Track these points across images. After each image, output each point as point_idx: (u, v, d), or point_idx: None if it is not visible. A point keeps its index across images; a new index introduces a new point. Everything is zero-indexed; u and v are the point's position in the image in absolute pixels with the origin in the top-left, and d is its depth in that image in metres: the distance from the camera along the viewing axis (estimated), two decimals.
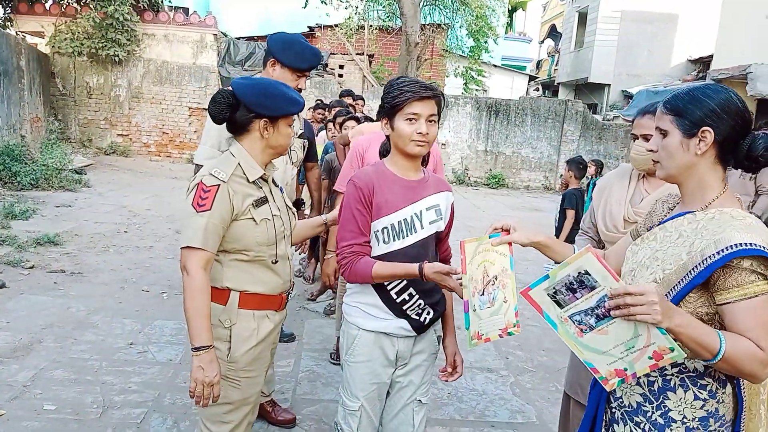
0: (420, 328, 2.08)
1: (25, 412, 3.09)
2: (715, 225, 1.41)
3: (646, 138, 2.23)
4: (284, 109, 2.06)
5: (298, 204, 5.57)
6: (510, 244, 1.74)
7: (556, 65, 26.50)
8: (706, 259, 1.37)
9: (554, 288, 1.39)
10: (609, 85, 20.30)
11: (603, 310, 1.35)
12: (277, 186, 2.23)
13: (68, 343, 3.98)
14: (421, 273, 1.87)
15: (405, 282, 2.02)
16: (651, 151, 1.54)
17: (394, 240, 2.01)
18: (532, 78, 28.82)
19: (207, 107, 2.10)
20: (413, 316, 2.06)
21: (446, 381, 2.15)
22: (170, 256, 6.35)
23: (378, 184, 2.01)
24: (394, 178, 2.05)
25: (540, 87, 27.85)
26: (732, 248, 1.33)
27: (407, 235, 2.02)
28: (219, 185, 1.94)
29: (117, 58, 13.22)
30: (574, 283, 1.37)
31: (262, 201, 2.07)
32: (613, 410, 1.59)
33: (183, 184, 9.99)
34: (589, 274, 1.35)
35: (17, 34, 12.63)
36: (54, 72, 13.51)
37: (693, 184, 1.49)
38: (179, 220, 7.65)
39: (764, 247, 1.32)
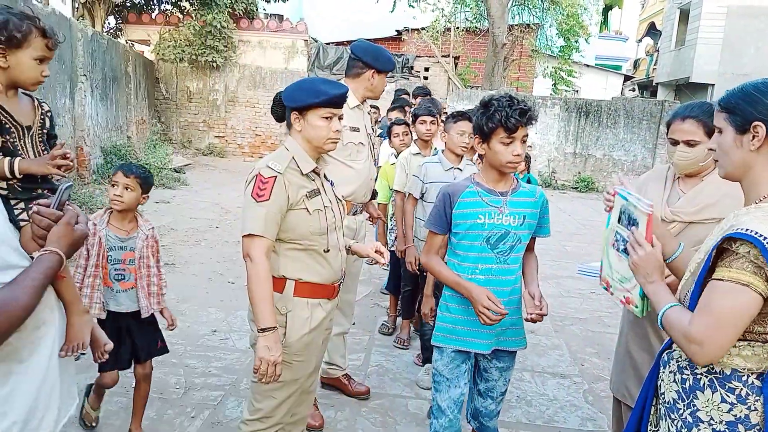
0: None
1: (117, 389, 3.34)
2: (744, 217, 1.38)
3: (689, 143, 2.16)
4: (305, 99, 2.11)
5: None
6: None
7: (654, 65, 25.20)
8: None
9: (625, 208, 1.71)
10: (713, 85, 19.01)
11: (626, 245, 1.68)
12: (328, 180, 2.32)
13: None
14: None
15: None
16: (711, 150, 1.52)
17: None
18: (628, 78, 27.61)
19: None
20: None
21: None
22: None
23: None
24: None
25: (636, 87, 26.60)
26: (731, 230, 1.33)
27: None
28: (276, 176, 2.05)
29: (215, 64, 13.96)
30: (629, 216, 1.69)
31: (315, 193, 2.17)
32: (659, 406, 1.57)
33: None
34: (637, 221, 1.65)
35: (126, 43, 13.63)
36: (158, 77, 14.46)
37: (748, 182, 1.45)
38: None
39: (764, 237, 1.27)
